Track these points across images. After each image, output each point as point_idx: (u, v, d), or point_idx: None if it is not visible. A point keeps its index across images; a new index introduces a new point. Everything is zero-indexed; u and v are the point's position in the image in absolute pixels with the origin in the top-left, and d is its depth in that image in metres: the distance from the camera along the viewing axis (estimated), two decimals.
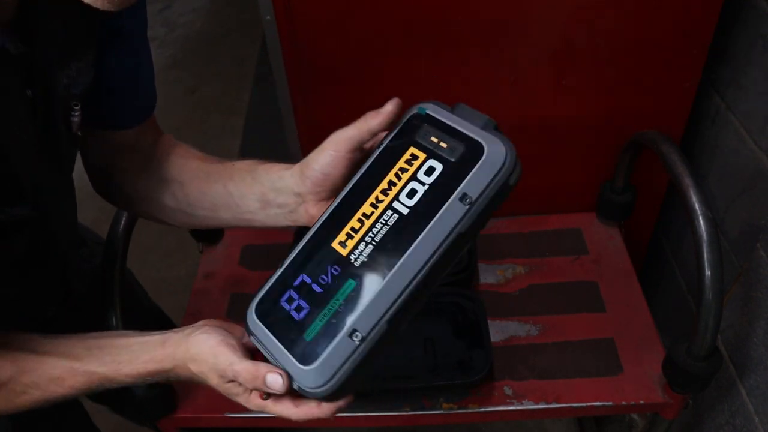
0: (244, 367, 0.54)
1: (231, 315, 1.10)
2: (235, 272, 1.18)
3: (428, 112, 0.57)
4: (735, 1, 0.97)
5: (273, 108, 1.15)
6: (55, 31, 0.55)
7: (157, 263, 1.98)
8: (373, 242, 0.53)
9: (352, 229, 0.54)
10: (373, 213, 0.54)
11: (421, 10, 0.96)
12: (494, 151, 0.52)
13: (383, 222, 0.53)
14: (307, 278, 0.55)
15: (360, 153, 0.59)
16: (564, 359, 0.98)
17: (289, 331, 0.54)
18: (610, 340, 1.00)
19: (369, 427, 1.23)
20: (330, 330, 0.51)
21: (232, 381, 0.56)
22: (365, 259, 0.53)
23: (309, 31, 0.99)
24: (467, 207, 0.51)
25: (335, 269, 0.54)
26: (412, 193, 0.53)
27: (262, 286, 0.58)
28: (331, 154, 0.58)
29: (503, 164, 0.51)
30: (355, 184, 0.57)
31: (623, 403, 0.92)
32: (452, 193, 0.51)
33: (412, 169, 0.54)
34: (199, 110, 2.65)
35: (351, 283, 0.52)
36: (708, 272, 0.78)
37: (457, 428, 1.48)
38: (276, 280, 0.57)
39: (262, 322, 0.56)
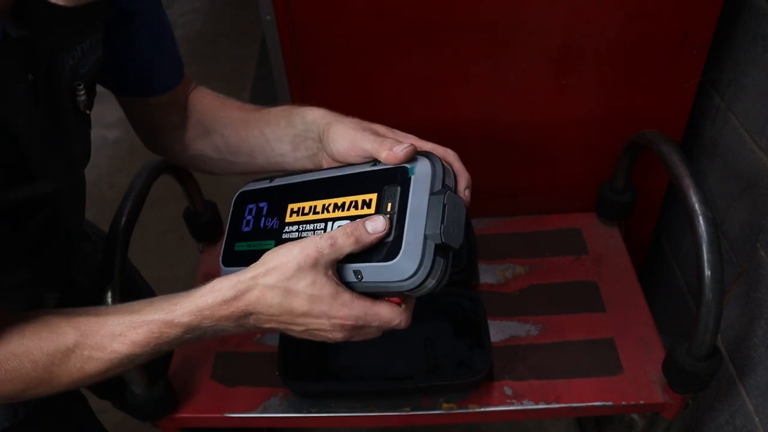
0: (340, 228, 0.54)
1: None
2: None
3: (411, 177, 0.54)
4: (735, 1, 0.97)
5: None
6: (53, 16, 0.56)
7: (157, 263, 1.98)
8: (299, 233, 0.59)
9: (302, 209, 0.60)
10: (318, 214, 0.59)
11: (421, 11, 0.96)
12: (402, 264, 0.51)
13: (314, 227, 0.58)
14: (265, 209, 0.64)
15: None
16: (564, 359, 0.98)
17: (234, 230, 0.67)
18: (610, 340, 1.00)
19: (369, 427, 1.23)
20: (245, 257, 0.61)
21: (325, 274, 0.54)
22: (286, 237, 0.60)
23: (309, 31, 0.99)
24: (356, 280, 0.55)
25: (275, 222, 0.62)
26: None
27: (260, 182, 0.68)
28: (345, 148, 0.61)
29: (402, 280, 0.51)
30: (340, 176, 0.60)
31: (623, 403, 0.92)
32: (352, 261, 0.54)
33: (357, 212, 0.55)
34: None
35: (271, 243, 0.61)
36: (708, 272, 0.78)
37: (457, 428, 1.48)
38: (262, 189, 0.67)
39: (234, 204, 0.69)
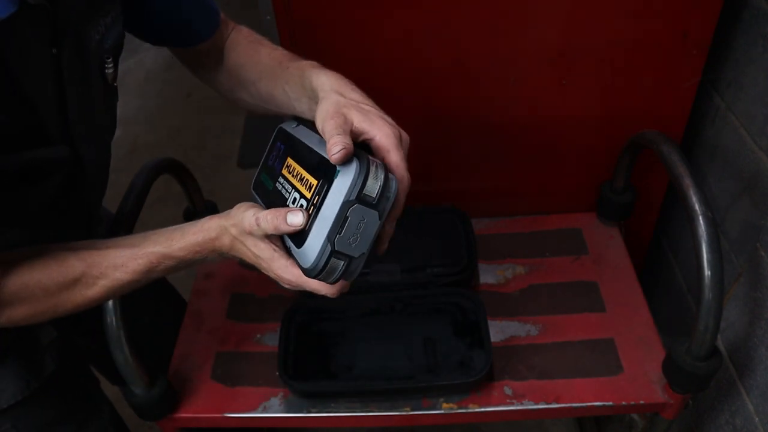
0: (266, 211, 0.60)
1: (231, 315, 1.10)
2: (235, 272, 1.18)
3: (335, 180, 0.57)
4: (735, 1, 0.97)
5: None
6: None
7: None
8: (282, 186, 0.66)
9: (289, 167, 0.66)
10: (294, 177, 0.64)
11: (422, 13, 0.96)
12: (303, 255, 0.58)
13: (287, 189, 0.64)
14: (281, 152, 0.71)
15: None
16: (564, 359, 0.98)
17: (265, 161, 0.73)
18: (610, 340, 1.00)
19: (369, 427, 1.23)
20: (263, 188, 0.71)
21: (262, 240, 0.61)
22: (277, 185, 0.67)
23: (309, 31, 0.99)
24: (288, 247, 0.62)
25: (278, 168, 0.69)
26: (293, 200, 0.63)
27: (292, 122, 0.73)
28: (319, 127, 0.62)
29: (304, 267, 0.58)
30: (316, 152, 0.63)
31: (623, 403, 0.92)
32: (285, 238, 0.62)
33: (304, 192, 0.61)
34: (199, 110, 2.65)
35: (270, 185, 0.69)
36: (708, 272, 0.78)
37: (457, 428, 1.48)
38: (287, 133, 0.72)
39: (273, 137, 0.74)
